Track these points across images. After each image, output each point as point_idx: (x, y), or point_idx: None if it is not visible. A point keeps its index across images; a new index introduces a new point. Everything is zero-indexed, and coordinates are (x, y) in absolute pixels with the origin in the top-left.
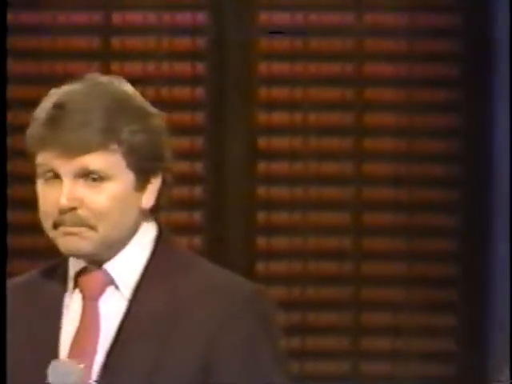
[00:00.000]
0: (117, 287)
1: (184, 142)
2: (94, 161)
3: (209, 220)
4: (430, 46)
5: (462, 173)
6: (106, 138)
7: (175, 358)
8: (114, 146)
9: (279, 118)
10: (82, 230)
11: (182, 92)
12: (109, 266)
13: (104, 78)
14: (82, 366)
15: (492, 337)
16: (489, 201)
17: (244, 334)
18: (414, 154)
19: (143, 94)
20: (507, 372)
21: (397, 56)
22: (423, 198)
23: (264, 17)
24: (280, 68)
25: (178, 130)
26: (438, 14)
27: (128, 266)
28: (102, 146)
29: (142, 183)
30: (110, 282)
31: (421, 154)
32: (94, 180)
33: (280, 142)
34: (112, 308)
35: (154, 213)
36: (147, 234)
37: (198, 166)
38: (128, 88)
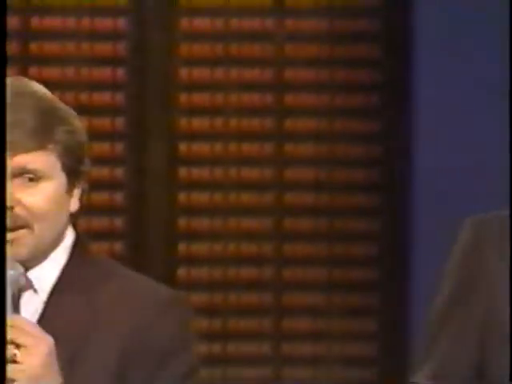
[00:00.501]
0: (35, 290)
1: (104, 148)
2: (32, 160)
3: (129, 226)
4: (350, 51)
5: (382, 177)
6: (43, 137)
7: (90, 361)
8: (51, 146)
9: (200, 123)
10: (20, 233)
11: (103, 97)
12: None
13: (26, 81)
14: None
15: (412, 341)
16: (409, 205)
17: (158, 341)
18: (335, 159)
19: (62, 100)
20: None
21: (317, 61)
22: (344, 203)
23: (185, 22)
24: (201, 73)
25: (98, 135)
26: (357, 18)
27: (47, 270)
28: (39, 144)
29: (71, 186)
30: (30, 285)
31: (341, 159)
32: (31, 180)
33: (201, 148)
34: (30, 311)
35: (72, 218)
36: (66, 239)
37: (119, 172)
38: (48, 91)
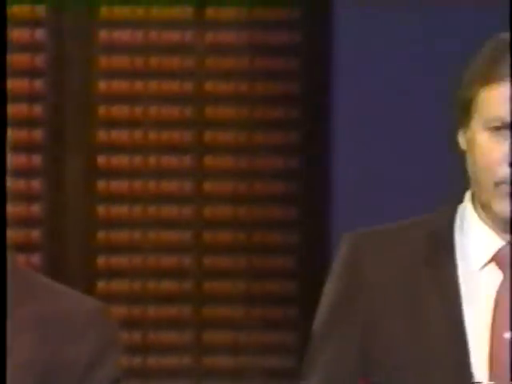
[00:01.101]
0: None
1: (22, 160)
2: None
3: (47, 238)
4: (270, 64)
5: (301, 189)
6: None
7: (14, 370)
8: None
9: (119, 136)
10: None
11: (20, 109)
12: None
13: None
14: None
15: None
16: (327, 217)
17: (82, 354)
18: (254, 172)
19: None
20: None
21: (237, 74)
22: (263, 216)
23: (104, 34)
24: (120, 86)
25: (15, 147)
26: (277, 31)
27: None
28: None
29: None
30: None
31: (261, 172)
32: None
33: (120, 160)
34: None
35: None
36: None
37: (36, 184)
38: None
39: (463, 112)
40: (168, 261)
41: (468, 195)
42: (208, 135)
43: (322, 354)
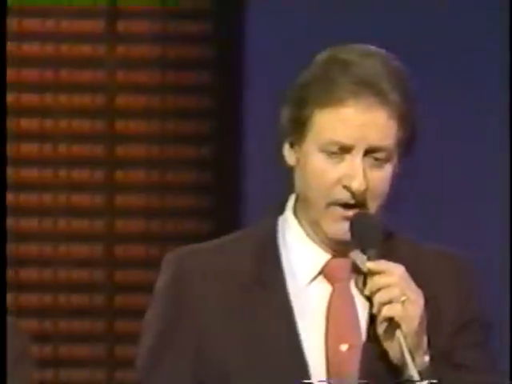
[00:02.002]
0: None
1: None
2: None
3: None
4: (182, 77)
5: (212, 204)
6: None
7: None
8: None
9: (29, 149)
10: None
11: None
12: None
13: None
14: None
15: None
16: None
17: None
18: (166, 186)
19: None
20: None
21: (148, 87)
22: (174, 229)
23: (13, 47)
24: (30, 99)
25: None
26: (189, 45)
27: None
28: None
29: None
30: None
31: (172, 186)
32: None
33: (29, 173)
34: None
35: None
36: None
37: None
38: None
39: (295, 130)
40: (79, 274)
41: (290, 208)
42: (119, 149)
43: (156, 376)
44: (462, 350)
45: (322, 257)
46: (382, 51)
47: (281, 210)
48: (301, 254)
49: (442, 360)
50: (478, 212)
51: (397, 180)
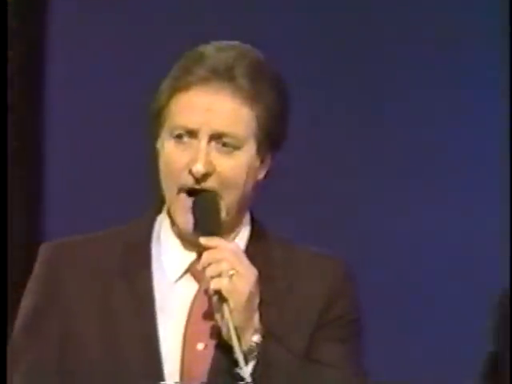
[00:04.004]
0: None
1: None
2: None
3: None
4: None
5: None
6: None
7: None
8: None
9: None
10: None
11: None
12: None
13: None
14: None
15: None
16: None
17: None
18: None
19: None
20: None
21: None
22: None
23: None
24: None
25: None
26: None
27: None
28: None
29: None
30: None
31: None
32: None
33: None
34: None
35: None
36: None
37: None
38: None
39: (155, 121)
40: None
41: (166, 206)
42: None
43: (22, 363)
44: (319, 345)
45: (189, 255)
46: (245, 46)
47: (161, 208)
48: (170, 252)
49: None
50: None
51: (269, 174)
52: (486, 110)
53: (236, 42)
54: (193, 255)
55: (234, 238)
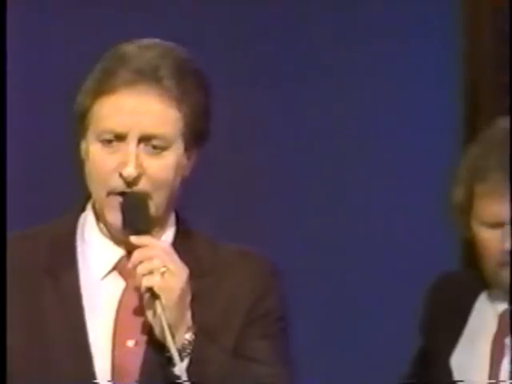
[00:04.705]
0: None
1: None
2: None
3: None
4: None
5: None
6: None
7: None
8: None
9: None
10: None
11: None
12: None
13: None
14: None
15: None
16: None
17: None
18: None
19: None
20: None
21: None
22: None
23: None
24: None
25: None
26: None
27: None
28: None
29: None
30: None
31: None
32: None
33: None
34: None
35: None
36: None
37: None
38: None
39: (80, 123)
40: None
41: (90, 204)
42: None
43: None
44: (247, 342)
45: (116, 253)
46: (168, 43)
47: (84, 205)
48: (96, 250)
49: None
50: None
51: (194, 171)
52: (436, 107)
53: (157, 40)
54: (119, 253)
55: (161, 237)
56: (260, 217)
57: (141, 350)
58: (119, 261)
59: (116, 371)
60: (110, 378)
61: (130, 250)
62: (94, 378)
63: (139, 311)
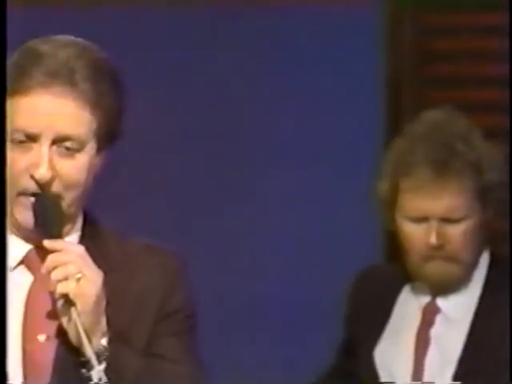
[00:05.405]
0: None
1: None
2: None
3: None
4: None
5: None
6: None
7: None
8: None
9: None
10: None
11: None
12: None
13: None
14: None
15: None
16: None
17: None
18: None
19: None
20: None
21: None
22: None
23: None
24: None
25: None
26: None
27: None
28: None
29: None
30: None
31: None
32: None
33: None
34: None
35: None
36: None
37: None
38: None
39: None
40: None
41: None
42: None
43: None
44: (158, 340)
45: (23, 247)
46: (84, 42)
47: None
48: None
49: (135, 348)
50: None
51: (103, 171)
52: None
53: (73, 38)
54: (26, 246)
55: (70, 235)
56: (169, 211)
57: (53, 344)
58: (27, 254)
59: (27, 365)
60: (21, 373)
61: (37, 244)
62: (5, 372)
63: (49, 306)
